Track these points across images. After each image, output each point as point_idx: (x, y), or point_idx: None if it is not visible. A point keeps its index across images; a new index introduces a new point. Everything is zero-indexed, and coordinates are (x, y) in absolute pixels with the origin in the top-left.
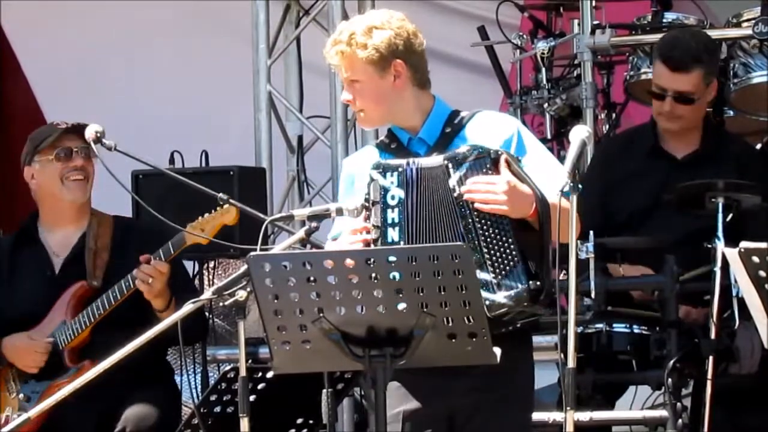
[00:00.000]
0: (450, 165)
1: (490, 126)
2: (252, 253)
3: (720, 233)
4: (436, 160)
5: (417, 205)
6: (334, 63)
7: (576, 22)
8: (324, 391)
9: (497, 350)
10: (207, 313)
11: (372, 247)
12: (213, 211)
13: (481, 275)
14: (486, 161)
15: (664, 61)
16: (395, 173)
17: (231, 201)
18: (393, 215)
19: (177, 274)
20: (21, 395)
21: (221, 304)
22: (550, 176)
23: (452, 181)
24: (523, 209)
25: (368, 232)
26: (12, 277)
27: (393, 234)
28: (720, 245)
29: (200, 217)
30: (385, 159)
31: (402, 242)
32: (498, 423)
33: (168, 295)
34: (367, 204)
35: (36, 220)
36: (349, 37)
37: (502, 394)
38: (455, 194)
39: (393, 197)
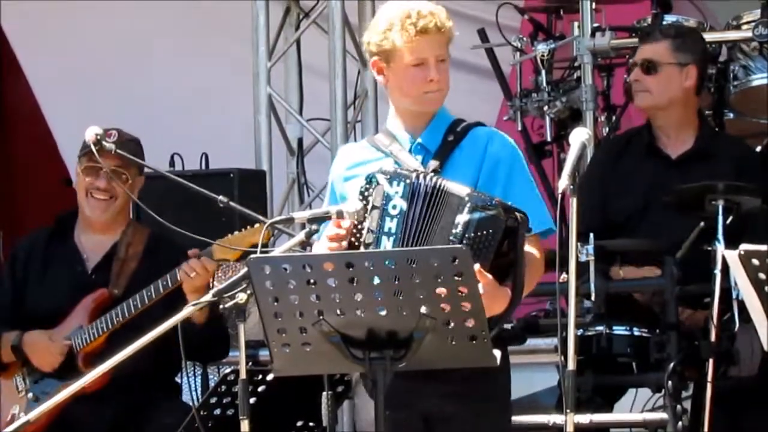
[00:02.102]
0: (469, 204)
1: (488, 143)
2: (252, 256)
3: (720, 236)
4: (460, 189)
5: (417, 220)
6: (432, 42)
7: (576, 24)
8: (324, 393)
9: (497, 352)
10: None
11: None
12: (243, 229)
13: None
14: (498, 224)
15: (639, 38)
16: (402, 183)
17: (231, 203)
18: (391, 225)
19: None
20: (30, 394)
21: (221, 306)
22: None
23: (460, 218)
24: (491, 312)
25: (352, 234)
26: (44, 272)
27: (387, 243)
28: (720, 248)
29: (230, 234)
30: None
31: None
32: (476, 429)
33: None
34: (366, 205)
35: (75, 217)
36: (448, 16)
37: (479, 400)
38: (454, 230)
39: (395, 207)
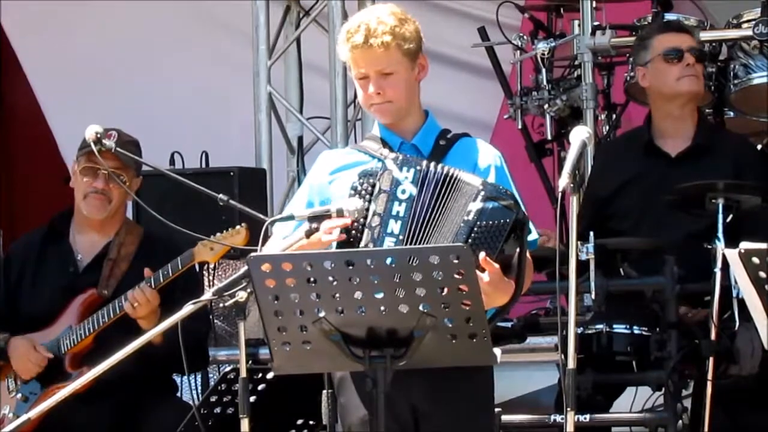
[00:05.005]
0: (483, 193)
1: (476, 152)
2: (252, 254)
3: (720, 234)
4: (473, 178)
5: (428, 207)
6: (366, 56)
7: (576, 23)
8: (324, 392)
9: (497, 351)
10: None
11: (366, 235)
12: (225, 231)
13: None
14: (509, 216)
15: (670, 27)
16: (412, 169)
17: (231, 202)
18: (399, 209)
19: (191, 290)
20: (19, 395)
21: (221, 305)
22: None
23: (473, 206)
24: (494, 303)
25: (347, 227)
26: (38, 273)
27: (394, 226)
28: (720, 246)
29: (212, 236)
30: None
31: (401, 236)
32: (462, 423)
33: (156, 320)
34: (365, 202)
35: (71, 217)
36: (392, 29)
37: (461, 399)
38: (466, 217)
39: (404, 191)
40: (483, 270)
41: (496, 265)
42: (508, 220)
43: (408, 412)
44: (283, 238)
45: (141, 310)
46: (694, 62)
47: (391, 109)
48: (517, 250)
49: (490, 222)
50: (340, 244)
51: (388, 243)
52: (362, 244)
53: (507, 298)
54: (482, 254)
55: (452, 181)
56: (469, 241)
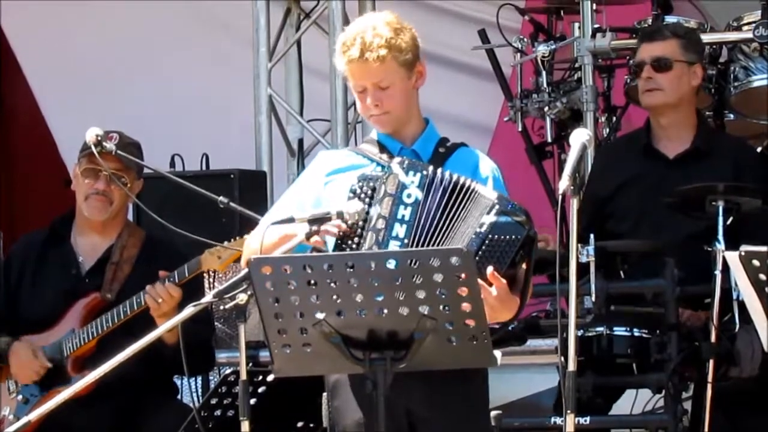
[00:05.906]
0: (498, 206)
1: (474, 162)
2: (253, 257)
3: (720, 236)
4: (489, 191)
5: (435, 213)
6: (362, 70)
7: (576, 25)
8: (324, 394)
9: (497, 353)
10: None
11: (370, 237)
12: (233, 240)
13: None
14: (521, 232)
15: (642, 37)
16: (419, 174)
17: (231, 204)
18: (404, 212)
19: (191, 292)
20: (20, 396)
21: (222, 307)
22: None
23: (486, 219)
24: (498, 318)
25: (342, 233)
26: (39, 275)
27: (399, 230)
28: (720, 248)
29: (219, 245)
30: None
31: (406, 239)
32: (461, 426)
33: None
34: (365, 205)
35: (71, 219)
36: (387, 42)
37: (457, 403)
38: (479, 229)
39: (409, 196)
40: (491, 284)
41: (504, 281)
42: (519, 236)
43: (404, 417)
44: (270, 224)
45: (165, 306)
46: (653, 73)
47: (390, 119)
48: (524, 266)
49: (502, 237)
50: (339, 247)
51: (393, 246)
52: (366, 246)
53: (511, 314)
54: (490, 268)
55: (465, 190)
56: (480, 253)
